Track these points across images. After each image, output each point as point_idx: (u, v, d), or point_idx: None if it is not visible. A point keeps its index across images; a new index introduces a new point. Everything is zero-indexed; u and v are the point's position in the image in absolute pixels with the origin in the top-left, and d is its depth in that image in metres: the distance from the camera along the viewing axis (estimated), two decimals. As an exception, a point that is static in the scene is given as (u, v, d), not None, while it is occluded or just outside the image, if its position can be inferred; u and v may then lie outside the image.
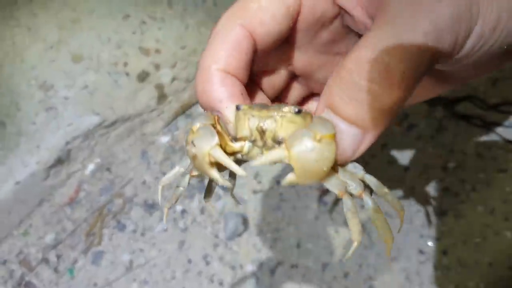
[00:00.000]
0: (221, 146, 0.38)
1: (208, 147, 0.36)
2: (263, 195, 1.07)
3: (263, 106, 0.40)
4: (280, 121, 0.38)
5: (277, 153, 0.35)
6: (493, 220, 1.00)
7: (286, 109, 0.38)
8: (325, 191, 1.05)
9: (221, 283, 0.99)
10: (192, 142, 0.37)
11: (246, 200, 1.07)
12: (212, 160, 0.37)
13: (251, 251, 1.01)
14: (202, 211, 1.06)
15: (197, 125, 0.38)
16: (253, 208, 1.05)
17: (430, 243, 0.99)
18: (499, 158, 1.07)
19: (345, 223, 1.01)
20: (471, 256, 0.96)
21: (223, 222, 1.04)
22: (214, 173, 0.38)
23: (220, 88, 0.41)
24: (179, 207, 1.07)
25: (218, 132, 0.38)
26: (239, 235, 1.02)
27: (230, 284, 0.98)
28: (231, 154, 0.41)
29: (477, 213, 1.01)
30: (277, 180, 1.08)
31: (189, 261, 1.01)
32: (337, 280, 0.96)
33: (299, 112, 0.38)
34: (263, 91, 0.50)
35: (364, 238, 0.99)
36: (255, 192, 1.07)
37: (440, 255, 0.97)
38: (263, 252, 1.01)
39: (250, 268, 0.99)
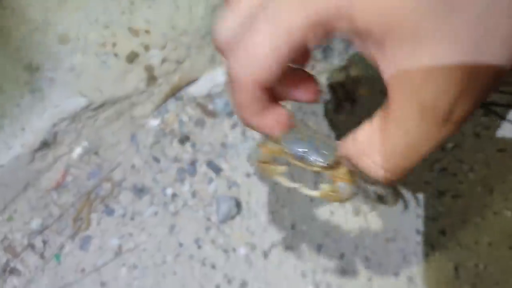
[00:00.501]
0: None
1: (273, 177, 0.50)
2: (257, 177, 1.04)
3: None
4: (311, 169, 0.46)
5: (311, 192, 0.48)
6: (492, 200, 0.97)
7: (318, 163, 0.44)
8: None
9: (213, 267, 0.95)
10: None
11: (239, 183, 1.04)
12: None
13: (244, 234, 0.98)
14: (194, 194, 1.03)
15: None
16: (246, 191, 1.03)
17: (428, 223, 0.96)
18: (498, 137, 1.04)
19: (340, 204, 0.98)
20: (470, 236, 0.94)
21: (215, 205, 1.01)
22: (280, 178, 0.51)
23: (264, 118, 0.35)
24: (169, 191, 1.04)
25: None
26: (232, 218, 0.99)
27: (223, 268, 0.95)
28: None
29: (476, 193, 0.99)
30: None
31: (180, 245, 0.98)
32: (332, 261, 0.93)
33: (328, 165, 0.44)
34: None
35: (360, 219, 0.96)
36: (248, 175, 1.05)
37: (438, 235, 0.95)
38: (256, 234, 0.98)
39: (243, 251, 0.96)
